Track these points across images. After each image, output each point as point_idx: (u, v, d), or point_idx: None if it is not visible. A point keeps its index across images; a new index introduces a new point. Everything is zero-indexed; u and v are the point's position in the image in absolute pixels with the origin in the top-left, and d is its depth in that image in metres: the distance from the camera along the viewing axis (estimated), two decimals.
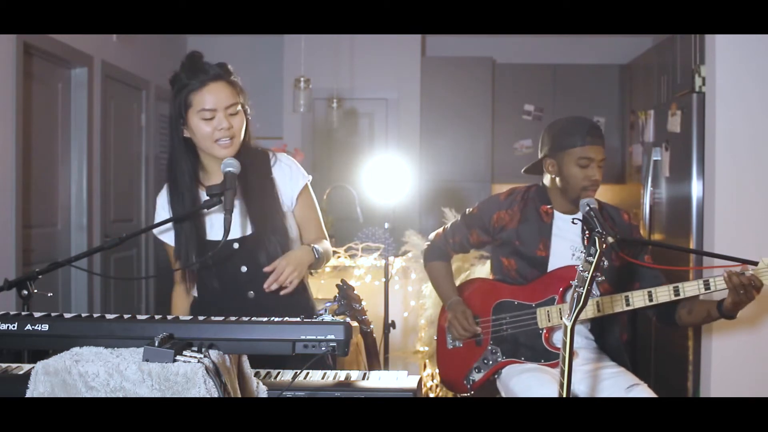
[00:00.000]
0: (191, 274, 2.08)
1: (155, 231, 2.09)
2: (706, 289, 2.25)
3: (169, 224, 2.04)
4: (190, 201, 2.02)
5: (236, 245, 2.03)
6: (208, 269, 2.06)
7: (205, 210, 2.01)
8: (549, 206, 2.51)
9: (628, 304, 2.32)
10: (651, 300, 2.29)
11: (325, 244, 2.17)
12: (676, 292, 2.27)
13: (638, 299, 2.31)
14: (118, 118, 4.97)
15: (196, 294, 2.12)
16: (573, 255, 2.45)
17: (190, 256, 2.02)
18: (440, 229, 2.74)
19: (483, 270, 3.50)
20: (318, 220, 2.21)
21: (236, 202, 1.95)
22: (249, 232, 2.05)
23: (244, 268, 2.04)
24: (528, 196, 2.55)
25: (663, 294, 2.28)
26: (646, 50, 5.67)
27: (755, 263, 2.23)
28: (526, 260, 2.48)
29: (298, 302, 2.11)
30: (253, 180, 2.04)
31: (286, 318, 1.50)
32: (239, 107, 1.99)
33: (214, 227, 2.05)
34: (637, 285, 2.42)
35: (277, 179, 2.11)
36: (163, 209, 2.09)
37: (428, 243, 2.75)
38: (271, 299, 2.02)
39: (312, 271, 2.16)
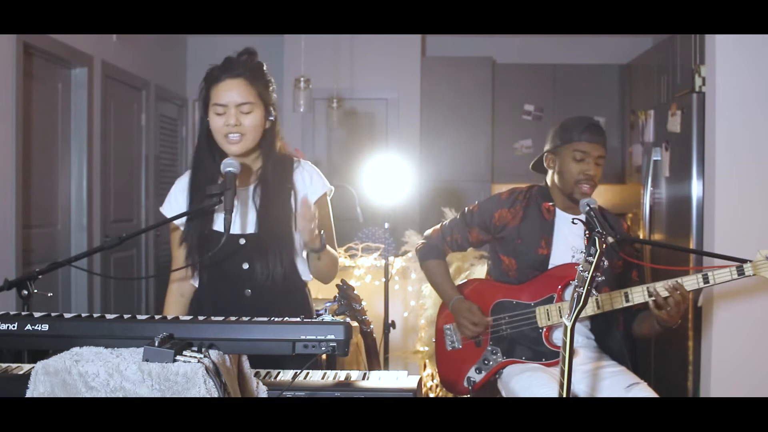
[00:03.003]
0: (194, 264, 2.08)
1: (166, 211, 2.13)
2: (705, 283, 2.25)
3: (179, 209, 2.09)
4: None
5: (242, 241, 2.04)
6: (211, 262, 2.06)
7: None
8: (551, 203, 2.51)
9: (627, 301, 2.32)
10: (651, 296, 2.29)
11: (333, 252, 2.16)
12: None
13: (638, 295, 2.31)
14: (118, 118, 4.97)
15: (196, 284, 2.13)
16: (573, 256, 2.45)
17: (194, 246, 2.04)
18: (437, 226, 2.72)
19: (483, 270, 3.50)
20: (330, 230, 2.19)
21: (252, 200, 2.03)
22: (253, 230, 2.05)
23: (245, 265, 2.04)
24: (530, 194, 2.56)
25: (662, 289, 2.28)
26: (646, 50, 5.67)
27: (752, 261, 2.23)
28: (527, 259, 2.48)
29: (295, 301, 2.11)
30: (272, 182, 2.06)
31: (286, 318, 1.50)
32: (253, 107, 2.00)
33: (219, 218, 2.04)
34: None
35: (296, 184, 2.12)
36: (181, 194, 2.12)
37: (423, 241, 2.73)
38: (268, 297, 2.03)
39: (314, 254, 2.08)
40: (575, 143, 2.43)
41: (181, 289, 2.14)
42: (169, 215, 2.10)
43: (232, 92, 1.98)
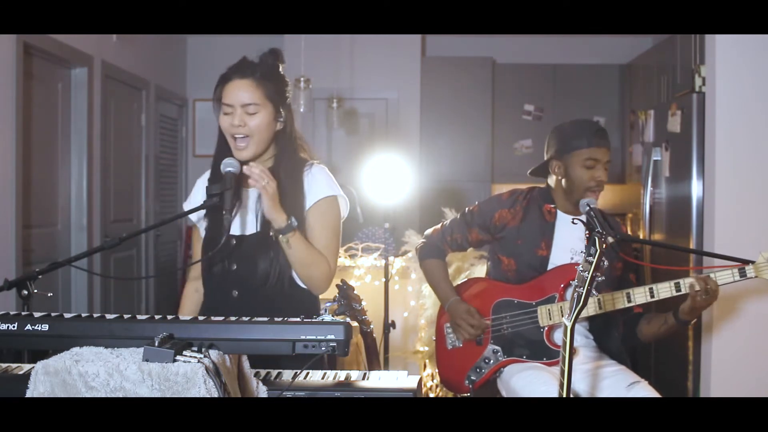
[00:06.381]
0: (201, 265, 2.11)
1: (186, 207, 2.15)
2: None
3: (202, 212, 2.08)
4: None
5: (233, 242, 2.03)
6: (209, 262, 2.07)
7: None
8: (552, 206, 2.51)
9: (629, 301, 2.32)
10: (653, 296, 2.30)
11: (316, 253, 2.00)
12: (677, 287, 2.28)
13: (640, 296, 2.31)
14: (118, 118, 4.97)
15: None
16: (572, 258, 2.45)
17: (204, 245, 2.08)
18: (438, 226, 2.72)
19: (483, 270, 3.50)
20: (325, 240, 2.03)
21: (256, 202, 2.01)
22: (252, 231, 2.03)
23: (234, 266, 2.03)
24: (531, 195, 2.56)
25: (664, 290, 2.28)
26: (646, 50, 5.67)
27: (754, 263, 2.23)
28: (527, 259, 2.48)
29: (289, 307, 1.99)
30: (280, 185, 1.98)
31: (287, 318, 1.50)
32: (259, 108, 1.96)
33: (235, 220, 2.03)
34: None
35: (304, 189, 2.05)
36: (197, 190, 2.17)
37: (423, 240, 2.72)
38: (255, 300, 2.00)
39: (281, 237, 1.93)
40: (585, 150, 2.40)
41: (196, 284, 2.19)
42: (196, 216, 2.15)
43: (238, 92, 1.96)
